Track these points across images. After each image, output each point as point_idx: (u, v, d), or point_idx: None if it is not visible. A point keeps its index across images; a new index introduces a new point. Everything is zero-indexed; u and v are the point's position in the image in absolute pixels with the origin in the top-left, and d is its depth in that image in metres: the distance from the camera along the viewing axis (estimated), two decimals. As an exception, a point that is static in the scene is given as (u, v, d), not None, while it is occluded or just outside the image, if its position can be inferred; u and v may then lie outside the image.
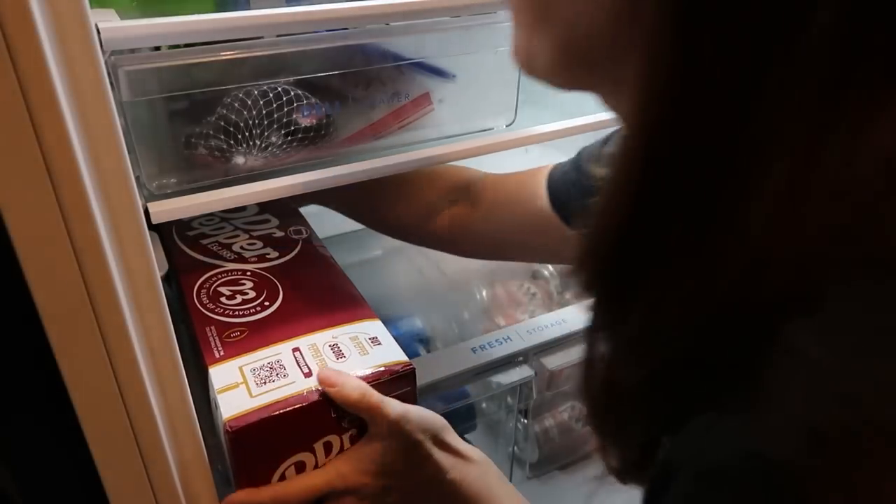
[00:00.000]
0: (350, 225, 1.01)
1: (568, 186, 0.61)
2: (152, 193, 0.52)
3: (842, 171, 0.21)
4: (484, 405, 0.87)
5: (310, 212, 0.79)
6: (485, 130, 0.66)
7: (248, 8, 0.53)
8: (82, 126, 0.33)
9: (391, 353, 0.52)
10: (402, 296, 0.90)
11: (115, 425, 0.39)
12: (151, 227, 0.44)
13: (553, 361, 0.76)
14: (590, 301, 0.28)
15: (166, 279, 0.58)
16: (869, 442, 0.20)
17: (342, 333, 0.54)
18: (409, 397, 0.51)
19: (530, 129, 0.64)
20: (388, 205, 0.71)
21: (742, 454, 0.22)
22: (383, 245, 1.01)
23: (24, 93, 0.30)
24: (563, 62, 0.30)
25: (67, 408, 0.37)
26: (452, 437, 0.51)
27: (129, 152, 0.36)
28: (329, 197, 0.70)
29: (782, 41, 0.20)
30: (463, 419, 0.83)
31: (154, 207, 0.49)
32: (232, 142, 0.54)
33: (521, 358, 0.73)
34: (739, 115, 0.21)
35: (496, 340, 0.73)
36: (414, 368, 0.51)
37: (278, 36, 0.53)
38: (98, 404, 0.38)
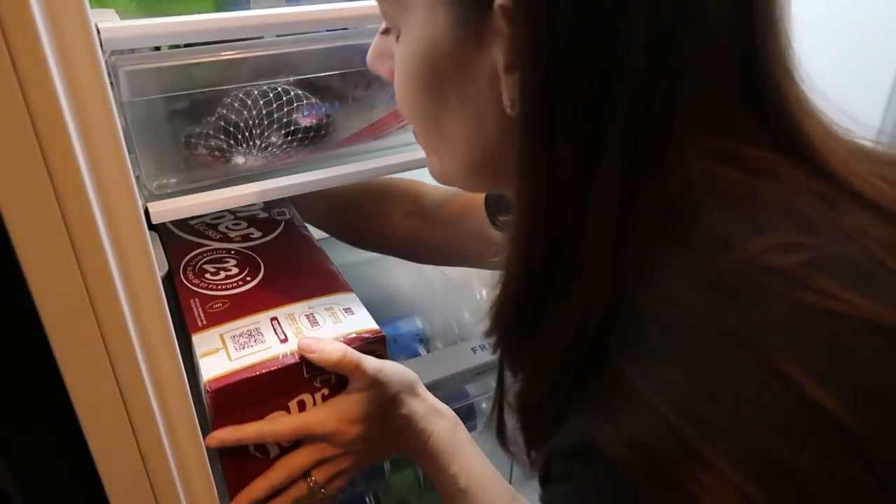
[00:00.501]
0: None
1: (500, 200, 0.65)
2: (152, 193, 0.52)
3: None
4: (484, 405, 0.87)
5: (310, 212, 0.79)
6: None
7: (248, 8, 0.53)
8: (82, 126, 0.33)
9: (363, 322, 0.56)
10: (402, 296, 0.90)
11: (115, 425, 0.39)
12: (151, 227, 0.44)
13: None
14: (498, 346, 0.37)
15: (166, 279, 0.58)
16: (679, 455, 0.25)
17: (318, 304, 0.57)
18: None
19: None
20: (353, 218, 0.76)
21: (583, 439, 0.28)
22: (383, 245, 1.01)
23: (24, 93, 0.30)
24: (471, 173, 0.39)
25: (67, 408, 0.37)
26: (424, 391, 0.56)
27: (129, 152, 0.36)
28: (303, 212, 0.74)
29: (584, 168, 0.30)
30: (463, 419, 0.83)
31: (154, 207, 0.49)
32: (232, 142, 0.54)
33: (520, 358, 0.73)
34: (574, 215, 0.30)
35: (496, 340, 0.73)
36: (384, 335, 0.55)
37: (278, 36, 0.53)
38: (98, 404, 0.38)
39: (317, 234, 0.72)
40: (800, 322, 0.25)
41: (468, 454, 0.54)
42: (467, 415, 0.82)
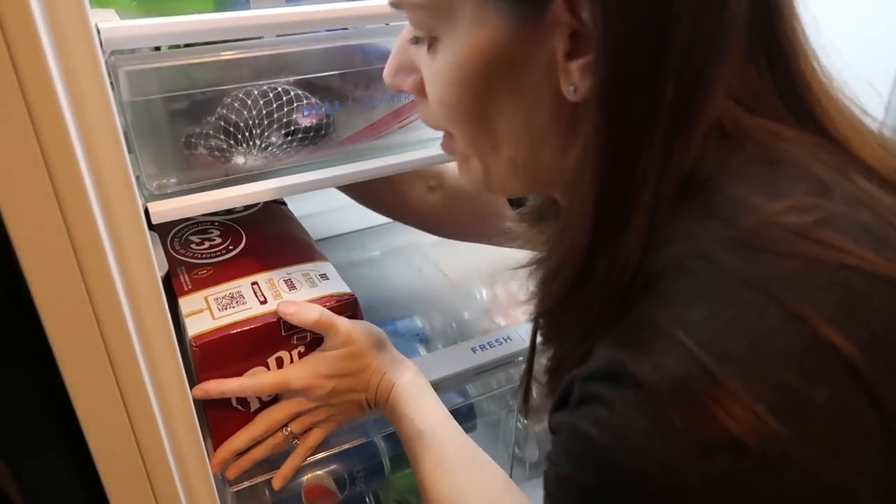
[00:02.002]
0: (350, 225, 1.01)
1: None
2: (152, 193, 0.52)
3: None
4: (484, 405, 0.87)
5: (310, 212, 0.79)
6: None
7: (248, 8, 0.53)
8: (82, 126, 0.33)
9: (337, 286, 0.61)
10: (402, 296, 0.90)
11: (115, 425, 0.39)
12: (151, 227, 0.44)
13: (553, 361, 0.75)
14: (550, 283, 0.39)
15: (166, 279, 0.58)
16: (702, 379, 0.27)
17: (296, 271, 0.62)
18: None
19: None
20: (377, 186, 0.76)
21: (612, 364, 0.30)
22: (382, 245, 1.01)
23: (24, 93, 0.30)
24: (515, 171, 0.39)
25: (67, 408, 0.37)
26: (391, 347, 0.61)
27: (129, 152, 0.36)
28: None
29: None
30: (463, 419, 0.83)
31: (154, 207, 0.49)
32: (232, 142, 0.54)
33: (521, 358, 0.73)
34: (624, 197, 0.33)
35: (496, 340, 0.73)
36: (356, 298, 0.60)
37: (278, 36, 0.53)
38: (98, 404, 0.38)
39: (317, 234, 0.72)
40: (815, 274, 0.28)
41: (427, 402, 0.58)
42: (467, 415, 0.82)
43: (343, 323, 0.57)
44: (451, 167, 0.74)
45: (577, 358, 0.36)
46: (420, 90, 0.41)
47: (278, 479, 0.60)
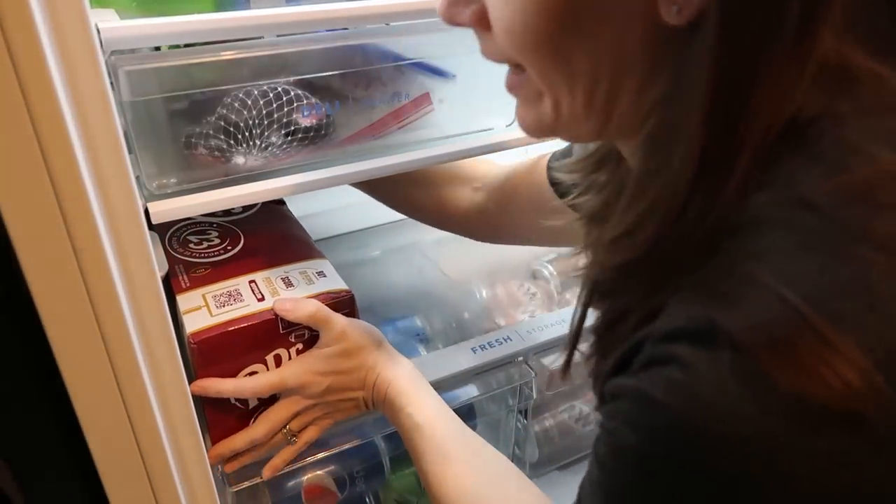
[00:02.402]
0: (350, 225, 1.01)
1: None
2: (152, 193, 0.52)
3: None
4: (484, 405, 0.87)
5: (310, 212, 0.79)
6: (485, 130, 0.66)
7: (248, 8, 0.53)
8: (82, 126, 0.33)
9: (334, 283, 0.61)
10: (402, 296, 0.90)
11: (115, 425, 0.39)
12: (151, 227, 0.44)
13: (553, 361, 0.75)
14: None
15: (164, 278, 0.58)
16: (804, 332, 0.24)
17: (293, 269, 0.63)
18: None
19: (530, 129, 0.64)
20: (417, 191, 0.76)
21: (696, 320, 0.27)
22: (383, 245, 1.01)
23: (24, 93, 0.30)
24: (591, 110, 0.35)
25: (67, 408, 0.37)
26: (387, 345, 0.61)
27: (129, 152, 0.36)
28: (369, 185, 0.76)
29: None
30: (463, 419, 0.83)
31: (154, 207, 0.49)
32: (232, 142, 0.54)
33: (521, 358, 0.73)
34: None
35: (496, 340, 0.73)
36: (353, 294, 0.60)
37: (278, 36, 0.53)
38: (98, 404, 0.38)
39: (317, 234, 0.72)
40: None
41: (425, 395, 0.57)
42: (467, 415, 0.82)
43: (339, 320, 0.57)
44: (489, 165, 0.73)
45: (641, 315, 0.32)
46: (481, 21, 0.35)
47: (269, 469, 0.61)
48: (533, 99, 0.37)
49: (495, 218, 0.73)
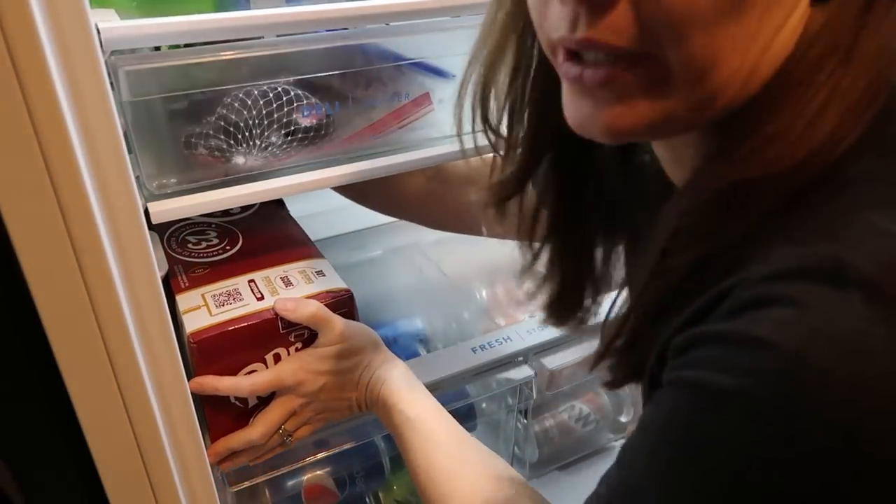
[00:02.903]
0: (350, 225, 1.01)
1: None
2: (152, 193, 0.52)
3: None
4: (484, 405, 0.87)
5: (310, 212, 0.79)
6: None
7: (248, 8, 0.53)
8: (82, 126, 0.33)
9: (333, 282, 0.61)
10: (402, 296, 0.90)
11: (115, 425, 0.39)
12: (151, 227, 0.44)
13: (553, 361, 0.75)
14: None
15: (165, 279, 0.58)
16: None
17: (292, 268, 0.63)
18: (349, 318, 0.60)
19: (530, 129, 0.64)
20: (379, 186, 0.72)
21: (811, 259, 0.26)
22: (383, 245, 1.01)
23: (24, 93, 0.30)
24: (721, 98, 0.31)
25: (67, 408, 0.37)
26: (384, 348, 0.61)
27: (129, 152, 0.36)
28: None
29: None
30: (463, 419, 0.82)
31: (154, 207, 0.49)
32: (232, 142, 0.54)
33: (521, 358, 0.73)
34: None
35: (496, 340, 0.73)
36: (352, 294, 0.60)
37: (278, 36, 0.53)
38: (98, 404, 0.38)
39: (317, 234, 0.72)
40: None
41: (418, 393, 0.58)
42: (467, 415, 0.82)
43: (338, 321, 0.57)
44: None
45: (725, 263, 0.30)
46: None
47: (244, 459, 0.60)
48: (647, 90, 0.31)
49: (449, 206, 0.72)
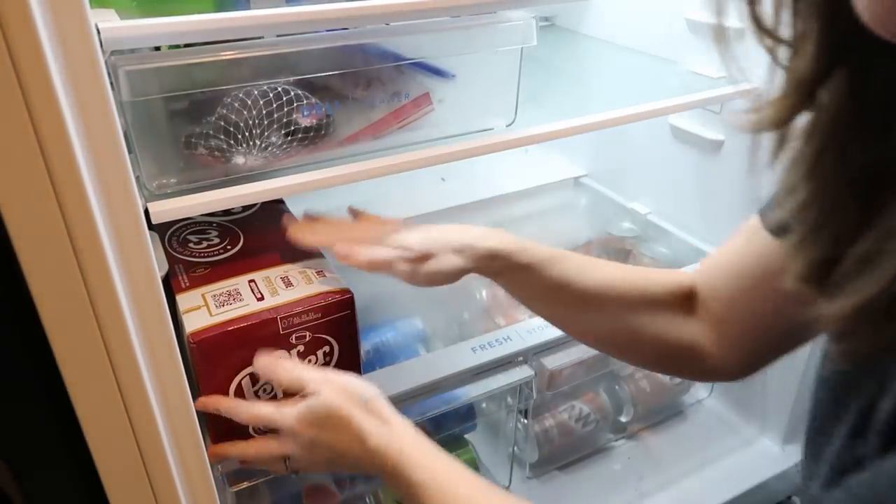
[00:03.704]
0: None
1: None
2: (152, 193, 0.52)
3: None
4: (484, 405, 0.87)
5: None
6: (485, 130, 0.66)
7: (248, 8, 0.53)
8: (82, 126, 0.33)
9: (333, 283, 0.61)
10: (402, 296, 0.90)
11: (115, 425, 0.39)
12: (151, 227, 0.44)
13: (553, 361, 0.76)
14: None
15: (164, 277, 0.58)
16: None
17: (292, 269, 0.63)
18: (348, 321, 0.60)
19: (530, 129, 0.64)
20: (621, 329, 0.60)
21: None
22: (383, 245, 1.01)
23: (24, 93, 0.30)
24: None
25: (67, 408, 0.37)
26: (380, 406, 0.53)
27: (129, 152, 0.36)
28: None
29: None
30: (463, 419, 0.83)
31: (154, 207, 0.49)
32: (232, 142, 0.54)
33: (521, 358, 0.73)
34: None
35: (496, 340, 0.73)
36: (352, 296, 0.59)
37: (278, 36, 0.53)
38: (98, 404, 0.38)
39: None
40: None
41: (433, 459, 0.50)
42: (467, 415, 0.82)
43: (312, 382, 0.53)
44: (691, 276, 0.57)
45: None
46: None
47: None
48: None
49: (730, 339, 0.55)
